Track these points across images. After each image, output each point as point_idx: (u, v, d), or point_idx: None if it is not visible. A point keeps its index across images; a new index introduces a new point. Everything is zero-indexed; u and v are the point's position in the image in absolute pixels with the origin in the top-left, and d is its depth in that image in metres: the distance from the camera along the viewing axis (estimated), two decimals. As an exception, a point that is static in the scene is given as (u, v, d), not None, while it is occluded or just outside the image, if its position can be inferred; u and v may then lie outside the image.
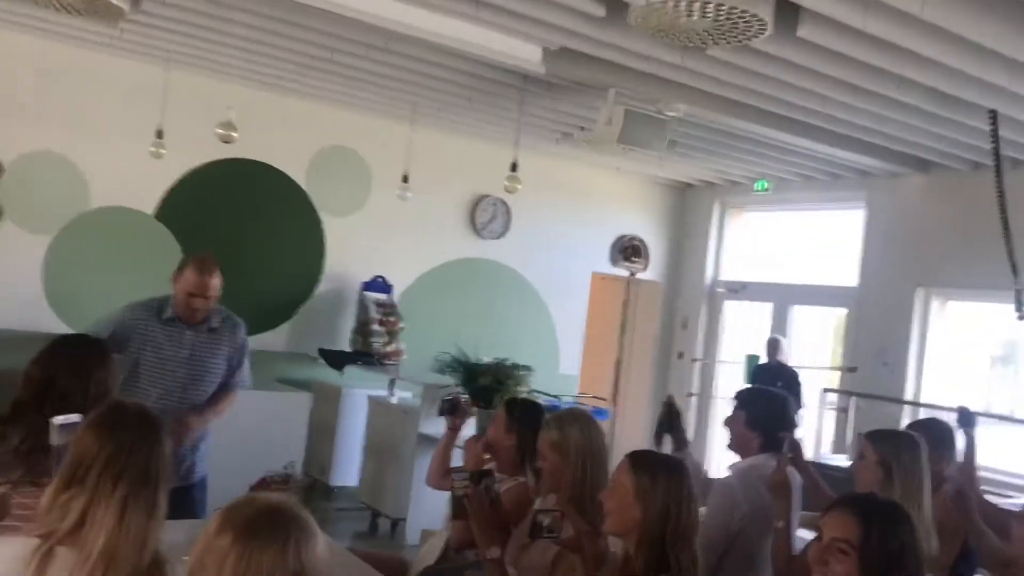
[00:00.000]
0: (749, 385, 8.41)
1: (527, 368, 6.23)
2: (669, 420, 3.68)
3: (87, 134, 6.73)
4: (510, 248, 8.65)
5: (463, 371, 6.19)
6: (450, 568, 3.16)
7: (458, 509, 2.85)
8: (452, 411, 3.74)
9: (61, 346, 2.95)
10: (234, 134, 5.76)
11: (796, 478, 3.26)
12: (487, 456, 3.52)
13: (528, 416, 3.53)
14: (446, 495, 3.38)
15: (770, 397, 3.55)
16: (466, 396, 3.73)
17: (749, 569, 3.15)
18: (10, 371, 6.33)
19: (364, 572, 3.03)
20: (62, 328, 6.69)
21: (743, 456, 3.37)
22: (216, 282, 3.91)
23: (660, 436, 3.70)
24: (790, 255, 8.97)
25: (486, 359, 6.88)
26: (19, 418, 2.67)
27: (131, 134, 6.62)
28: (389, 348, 7.53)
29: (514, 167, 6.08)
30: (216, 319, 4.00)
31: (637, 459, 2.49)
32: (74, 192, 6.74)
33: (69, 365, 2.84)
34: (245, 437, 4.58)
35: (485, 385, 5.97)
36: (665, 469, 2.45)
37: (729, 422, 3.47)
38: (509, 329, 8.58)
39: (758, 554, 3.15)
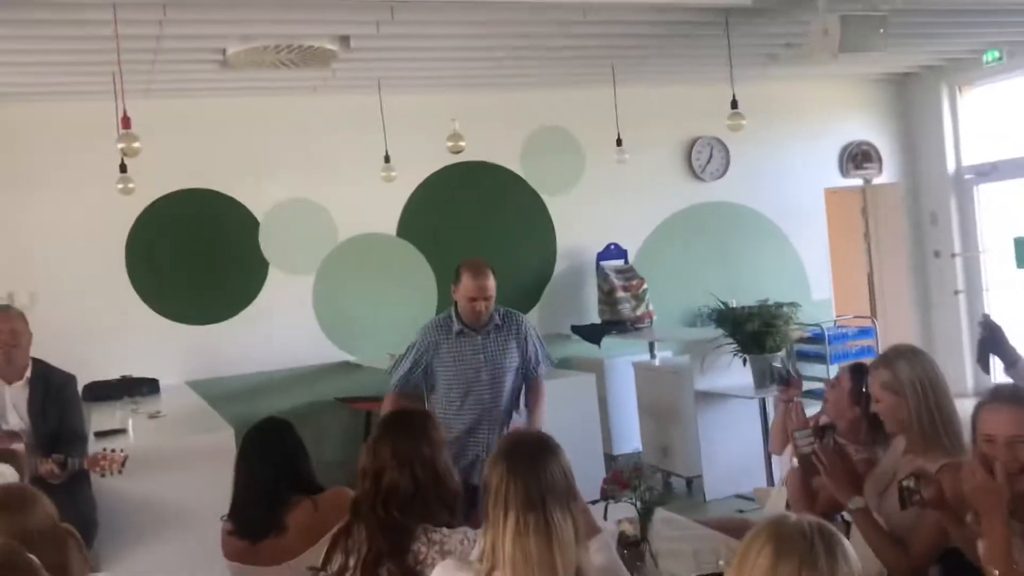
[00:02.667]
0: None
1: (793, 304, 6.06)
2: (993, 339, 3.45)
3: (323, 173, 7.16)
4: (734, 184, 8.43)
5: (727, 321, 6.10)
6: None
7: (808, 467, 2.83)
8: (785, 383, 3.67)
9: (384, 432, 2.62)
10: (462, 143, 5.94)
11: None
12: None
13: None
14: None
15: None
16: (793, 370, 3.64)
17: None
18: (317, 403, 6.89)
19: (714, 537, 3.07)
20: (344, 356, 7.23)
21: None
22: (491, 283, 4.12)
23: (985, 359, 3.49)
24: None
25: (735, 303, 6.78)
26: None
27: (361, 164, 6.98)
28: (639, 312, 7.55)
29: (734, 104, 5.90)
30: (497, 317, 4.21)
31: None
32: (324, 229, 7.21)
33: (393, 453, 2.54)
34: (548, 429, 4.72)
35: (754, 331, 5.85)
36: None
37: None
38: (752, 267, 8.38)
39: None
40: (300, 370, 7.12)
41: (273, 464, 3.01)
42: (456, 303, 4.17)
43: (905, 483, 2.52)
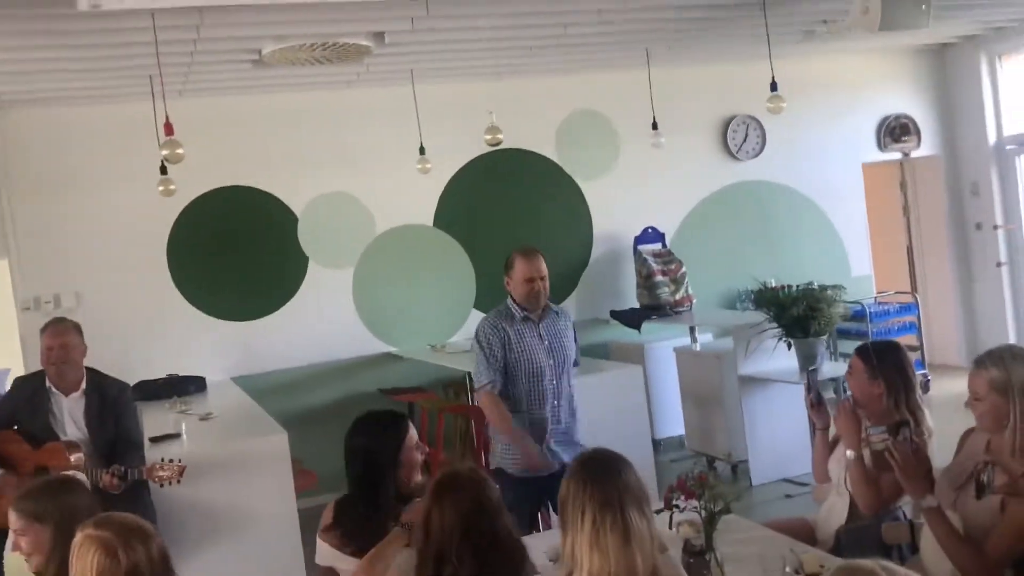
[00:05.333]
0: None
1: (838, 287, 5.99)
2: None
3: (359, 167, 7.16)
4: (771, 163, 8.33)
5: (769, 303, 6.05)
6: (868, 524, 3.12)
7: (881, 463, 2.81)
8: (816, 406, 3.60)
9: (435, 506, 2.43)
10: (500, 136, 5.91)
11: None
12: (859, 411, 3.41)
13: (888, 356, 3.40)
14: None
15: None
16: (815, 394, 3.56)
17: None
18: (360, 394, 6.92)
19: (778, 541, 3.06)
20: (385, 348, 7.26)
21: None
22: (544, 264, 4.17)
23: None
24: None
25: (775, 283, 6.71)
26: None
27: (396, 156, 6.97)
28: (678, 296, 7.50)
29: (774, 86, 5.81)
30: (552, 310, 4.26)
31: None
32: (362, 222, 7.22)
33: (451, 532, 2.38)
34: (596, 422, 4.72)
35: (799, 315, 5.79)
36: None
37: None
38: (791, 245, 8.31)
39: None
40: (342, 363, 7.17)
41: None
42: (510, 295, 4.19)
43: (984, 475, 2.51)
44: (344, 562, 2.86)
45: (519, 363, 4.10)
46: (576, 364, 4.41)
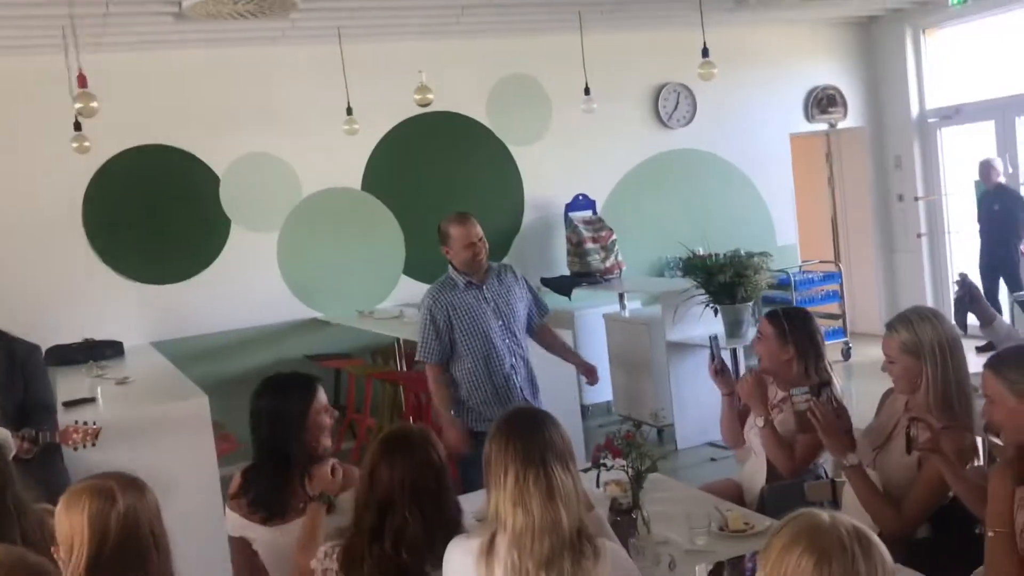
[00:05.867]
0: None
1: (764, 255, 6.07)
2: (970, 298, 3.48)
3: (283, 127, 6.96)
4: (701, 131, 8.38)
5: (697, 271, 6.10)
6: (791, 483, 3.16)
7: (803, 423, 2.85)
8: (720, 373, 3.59)
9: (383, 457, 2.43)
10: (430, 96, 5.80)
11: None
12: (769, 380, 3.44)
13: (797, 322, 3.43)
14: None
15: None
16: (717, 360, 3.56)
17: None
18: (285, 361, 6.78)
19: (704, 499, 3.08)
20: (312, 314, 7.13)
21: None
22: (479, 229, 4.15)
23: (962, 316, 3.51)
24: (1006, 63, 8.19)
25: (703, 250, 6.75)
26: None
27: (324, 117, 6.81)
28: (608, 263, 7.52)
29: (705, 52, 5.81)
30: (493, 267, 4.26)
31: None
32: (287, 185, 7.04)
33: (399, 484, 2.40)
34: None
35: (726, 282, 5.86)
36: None
37: None
38: (718, 213, 8.38)
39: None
40: (267, 328, 7.02)
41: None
42: (451, 263, 4.14)
43: (913, 430, 2.55)
44: (253, 531, 2.79)
45: (470, 332, 4.08)
46: (545, 312, 4.41)
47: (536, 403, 4.12)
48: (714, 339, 3.66)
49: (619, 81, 7.85)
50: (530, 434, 2.11)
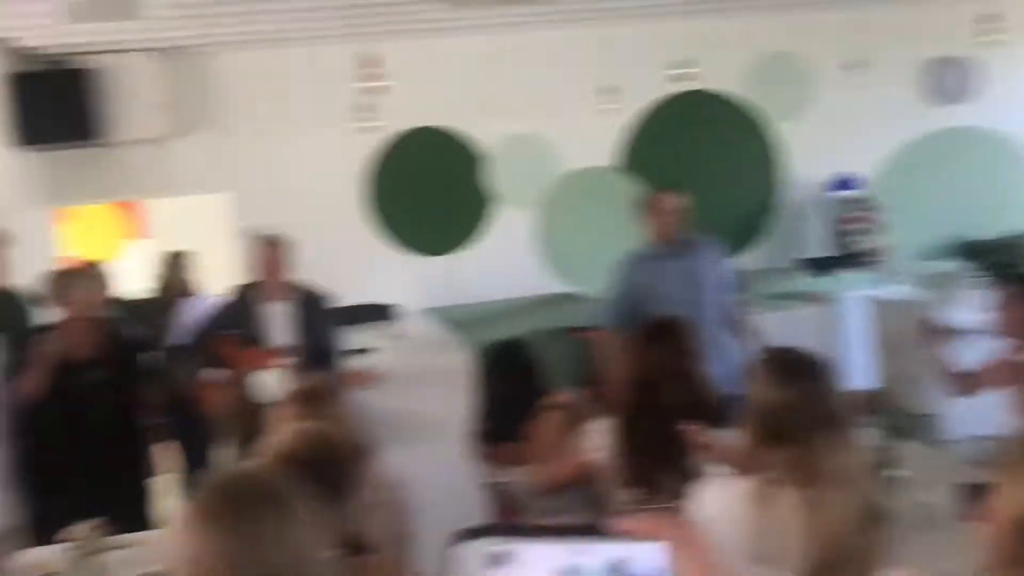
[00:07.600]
0: None
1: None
2: None
3: (545, 108, 7.21)
4: (983, 108, 7.72)
5: (972, 254, 5.69)
6: None
7: None
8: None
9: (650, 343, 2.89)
10: (695, 69, 5.79)
11: None
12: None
13: None
14: None
15: None
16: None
17: None
18: (543, 331, 7.11)
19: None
20: (565, 287, 7.41)
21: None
22: (674, 199, 4.35)
23: None
24: None
25: (978, 234, 6.26)
26: None
27: (580, 96, 7.06)
28: (873, 244, 7.19)
29: (992, 18, 5.37)
30: (693, 238, 4.45)
31: None
32: (547, 163, 7.34)
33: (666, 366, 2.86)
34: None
35: (1003, 264, 5.43)
36: None
37: None
38: (997, 195, 7.68)
39: None
40: (523, 300, 7.34)
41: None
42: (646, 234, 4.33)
43: None
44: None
45: (656, 297, 4.20)
46: (734, 301, 4.45)
47: None
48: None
49: (886, 54, 7.43)
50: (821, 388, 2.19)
